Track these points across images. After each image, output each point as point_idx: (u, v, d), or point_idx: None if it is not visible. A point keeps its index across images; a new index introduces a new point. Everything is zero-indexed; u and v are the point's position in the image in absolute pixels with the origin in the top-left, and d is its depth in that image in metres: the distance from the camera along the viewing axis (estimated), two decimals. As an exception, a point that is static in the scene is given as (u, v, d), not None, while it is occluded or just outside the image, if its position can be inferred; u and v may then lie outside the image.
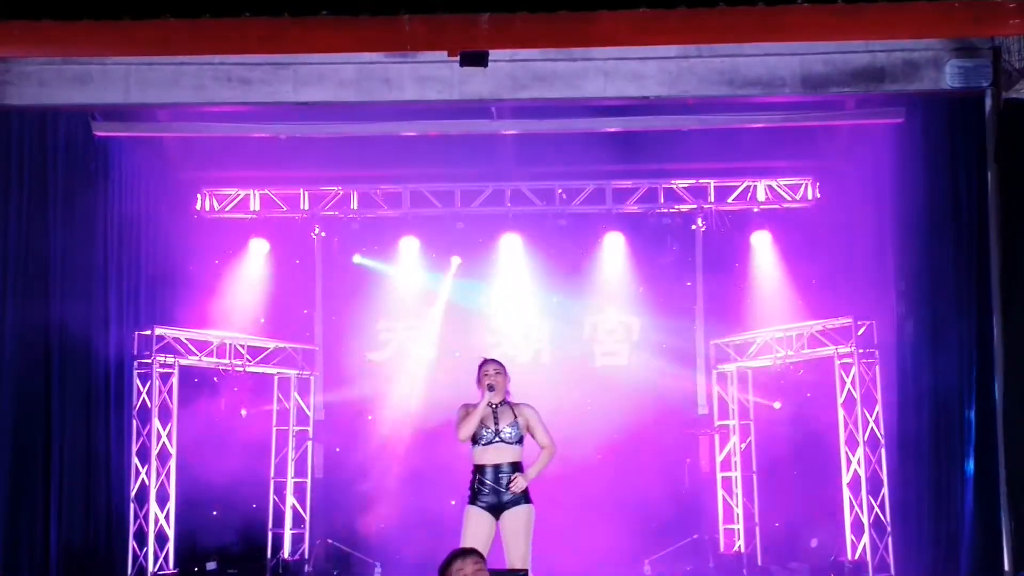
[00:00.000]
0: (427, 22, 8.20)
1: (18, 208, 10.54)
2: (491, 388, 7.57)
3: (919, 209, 10.98)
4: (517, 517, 7.49)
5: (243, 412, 13.51)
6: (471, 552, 5.15)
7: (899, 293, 11.50)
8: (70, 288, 11.04)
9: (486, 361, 7.86)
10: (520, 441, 7.59)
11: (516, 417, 7.64)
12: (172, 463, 12.12)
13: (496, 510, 7.52)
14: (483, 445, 7.55)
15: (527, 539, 7.49)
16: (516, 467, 7.54)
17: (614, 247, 14.08)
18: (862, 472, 11.95)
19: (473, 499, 7.56)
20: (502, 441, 7.54)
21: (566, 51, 9.87)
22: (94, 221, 11.50)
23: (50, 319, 10.81)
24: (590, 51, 9.88)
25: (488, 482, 7.51)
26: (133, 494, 11.85)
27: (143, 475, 11.95)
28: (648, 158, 13.17)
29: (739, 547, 13.22)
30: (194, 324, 12.94)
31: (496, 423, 7.57)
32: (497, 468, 7.51)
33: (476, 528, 7.44)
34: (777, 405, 13.38)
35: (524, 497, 7.56)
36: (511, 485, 7.49)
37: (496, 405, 7.64)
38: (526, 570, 7.38)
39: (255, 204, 13.97)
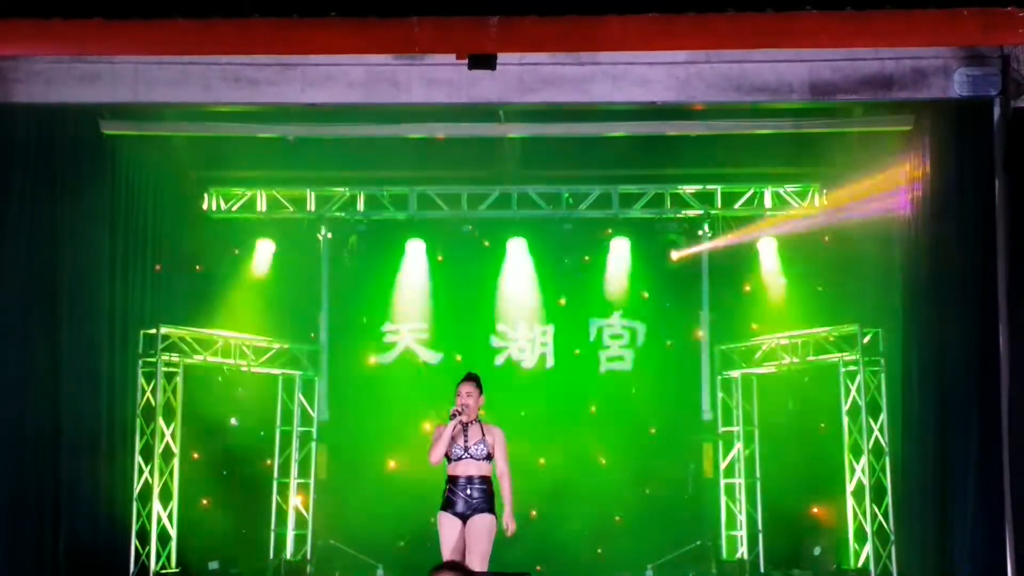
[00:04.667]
0: (436, 24, 8.22)
1: (25, 206, 10.55)
2: (453, 416, 8.12)
3: (926, 217, 10.96)
4: (481, 524, 8.10)
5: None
6: (456, 567, 5.17)
7: (905, 302, 11.48)
8: (76, 286, 11.06)
9: (464, 380, 8.33)
10: (488, 458, 8.18)
11: (484, 436, 8.19)
12: (175, 462, 12.12)
13: (464, 517, 8.12)
14: (454, 460, 8.17)
15: (488, 543, 8.12)
16: (484, 480, 8.17)
17: (620, 252, 14.07)
18: (866, 480, 11.93)
19: (445, 507, 8.18)
20: (471, 457, 8.14)
21: (574, 55, 9.86)
22: (101, 219, 11.51)
23: (56, 317, 10.83)
24: (598, 55, 9.86)
25: (459, 492, 8.12)
26: (136, 493, 11.86)
27: (146, 474, 11.96)
28: (655, 163, 13.16)
29: (742, 554, 13.20)
30: (199, 324, 12.94)
31: (466, 440, 8.15)
32: (468, 480, 8.12)
33: (450, 533, 8.11)
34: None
35: (489, 507, 8.16)
36: (506, 531, 8.21)
37: (467, 424, 8.18)
38: (528, 574, 7.68)
39: (262, 204, 13.97)
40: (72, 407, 10.94)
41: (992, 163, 10.00)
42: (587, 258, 14.19)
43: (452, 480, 8.16)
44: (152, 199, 12.58)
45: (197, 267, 13.60)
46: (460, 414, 8.12)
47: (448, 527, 8.11)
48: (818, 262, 13.59)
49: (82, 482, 11.07)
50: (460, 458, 8.11)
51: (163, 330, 12.14)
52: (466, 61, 8.65)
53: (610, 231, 14.03)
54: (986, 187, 10.12)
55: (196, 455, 12.86)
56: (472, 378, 8.32)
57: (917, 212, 11.13)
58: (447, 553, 8.06)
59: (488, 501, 8.13)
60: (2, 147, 10.26)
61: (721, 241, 13.85)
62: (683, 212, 13.82)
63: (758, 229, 13.84)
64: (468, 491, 8.09)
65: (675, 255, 13.92)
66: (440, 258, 14.19)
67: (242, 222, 13.98)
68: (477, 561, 8.00)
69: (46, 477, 10.72)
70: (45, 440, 10.71)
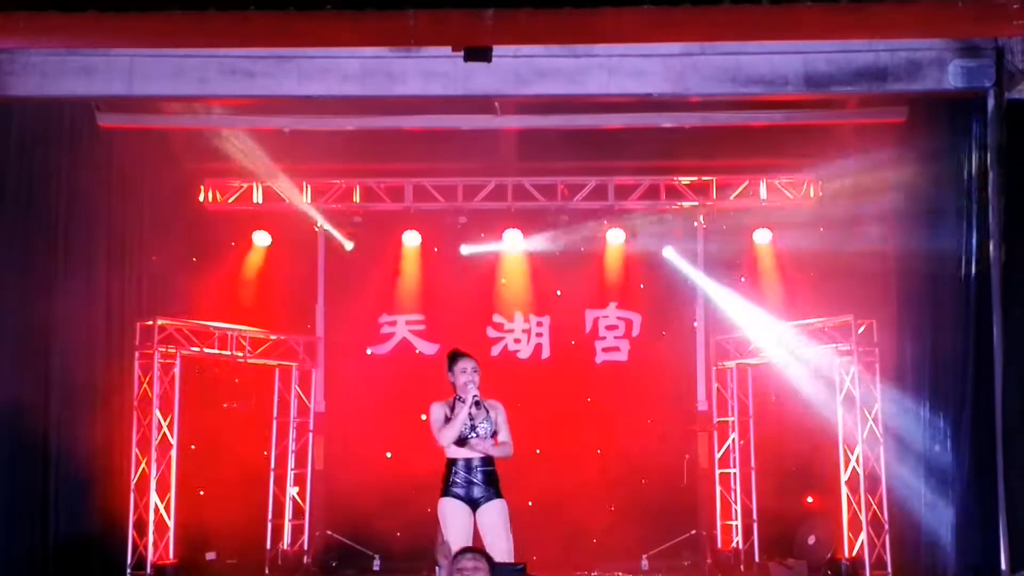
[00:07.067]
0: (432, 17, 8.23)
1: (21, 199, 10.55)
2: (477, 403, 7.74)
3: (920, 209, 10.99)
4: (493, 512, 7.71)
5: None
6: (481, 553, 5.15)
7: (900, 292, 11.52)
8: (72, 278, 11.07)
9: (465, 356, 7.98)
10: (493, 436, 7.82)
11: (488, 413, 7.84)
12: (173, 453, 12.14)
13: (470, 503, 7.73)
14: (458, 441, 7.76)
15: (507, 533, 7.71)
16: (489, 461, 7.78)
17: (615, 243, 14.10)
18: (860, 470, 11.97)
19: (449, 492, 7.77)
20: (477, 437, 7.76)
21: (569, 47, 9.88)
22: (97, 212, 11.51)
23: (52, 309, 10.84)
24: (593, 47, 9.88)
25: (465, 477, 7.74)
26: (133, 484, 11.88)
27: (143, 465, 11.98)
28: (650, 155, 13.17)
29: (737, 543, 13.25)
30: (196, 315, 12.95)
31: (472, 419, 7.77)
32: (469, 462, 7.76)
33: (457, 518, 7.68)
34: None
35: (496, 492, 7.78)
36: (476, 438, 7.68)
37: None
38: (524, 564, 7.49)
39: (258, 196, 13.97)
40: (68, 399, 10.95)
41: (986, 154, 10.03)
42: (582, 249, 14.22)
43: (456, 463, 7.74)
44: (148, 191, 12.58)
45: (193, 259, 13.60)
46: (477, 403, 7.72)
47: (456, 513, 7.69)
48: (813, 253, 13.61)
49: (78, 474, 11.08)
50: (467, 438, 7.72)
51: (159, 322, 12.15)
52: (462, 53, 8.67)
53: (605, 222, 14.04)
54: (980, 178, 10.16)
55: (193, 446, 12.87)
56: (470, 354, 8.01)
57: (911, 203, 11.16)
58: (456, 540, 7.57)
59: (495, 485, 7.79)
60: (-2, 140, 10.28)
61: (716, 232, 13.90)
62: (678, 203, 13.84)
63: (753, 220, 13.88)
64: (475, 475, 7.72)
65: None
66: (436, 249, 14.20)
67: (238, 214, 13.99)
68: (504, 556, 7.57)
69: (42, 469, 10.74)
70: (42, 433, 10.72)
